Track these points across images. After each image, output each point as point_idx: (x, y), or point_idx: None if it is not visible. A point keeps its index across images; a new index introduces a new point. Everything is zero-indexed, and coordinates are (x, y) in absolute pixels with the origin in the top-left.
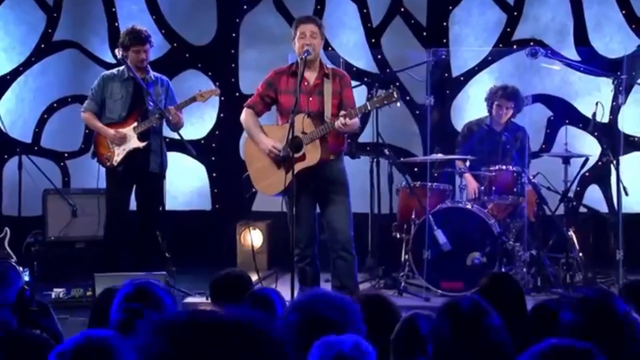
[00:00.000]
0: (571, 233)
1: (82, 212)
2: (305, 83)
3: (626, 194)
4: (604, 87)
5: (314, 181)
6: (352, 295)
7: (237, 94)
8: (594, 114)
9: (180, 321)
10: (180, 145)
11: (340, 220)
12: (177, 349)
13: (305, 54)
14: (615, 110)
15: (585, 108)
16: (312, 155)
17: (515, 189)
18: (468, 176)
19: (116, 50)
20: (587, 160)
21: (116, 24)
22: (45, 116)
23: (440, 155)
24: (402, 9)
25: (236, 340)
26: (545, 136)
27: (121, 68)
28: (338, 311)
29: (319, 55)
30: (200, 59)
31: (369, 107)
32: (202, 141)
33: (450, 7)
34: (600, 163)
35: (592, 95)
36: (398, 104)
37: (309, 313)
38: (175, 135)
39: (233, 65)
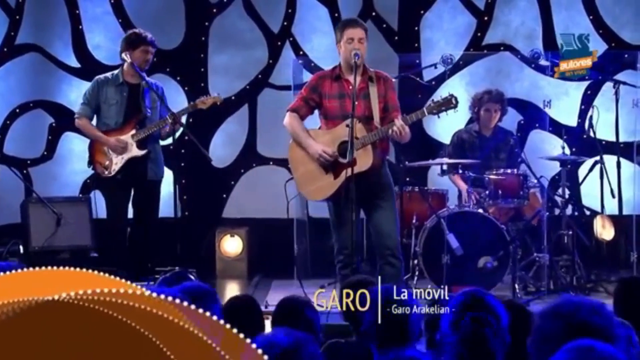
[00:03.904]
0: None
1: (65, 221)
2: (350, 87)
3: (613, 196)
4: (573, 92)
5: (362, 186)
6: None
7: None
8: (591, 117)
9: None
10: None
11: (389, 224)
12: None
13: (356, 58)
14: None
15: (555, 112)
16: (364, 160)
17: (521, 192)
18: (461, 182)
19: (123, 55)
20: (595, 163)
21: (80, 27)
22: (8, 122)
23: (445, 160)
24: (374, 13)
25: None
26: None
27: (115, 72)
28: (601, 316)
29: (364, 59)
30: (169, 63)
31: (426, 113)
32: (171, 147)
33: (422, 12)
34: (569, 166)
35: (561, 100)
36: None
37: (573, 319)
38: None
39: (202, 69)
